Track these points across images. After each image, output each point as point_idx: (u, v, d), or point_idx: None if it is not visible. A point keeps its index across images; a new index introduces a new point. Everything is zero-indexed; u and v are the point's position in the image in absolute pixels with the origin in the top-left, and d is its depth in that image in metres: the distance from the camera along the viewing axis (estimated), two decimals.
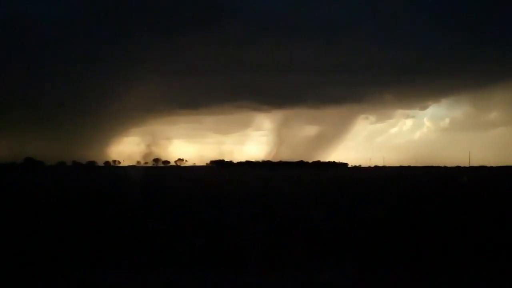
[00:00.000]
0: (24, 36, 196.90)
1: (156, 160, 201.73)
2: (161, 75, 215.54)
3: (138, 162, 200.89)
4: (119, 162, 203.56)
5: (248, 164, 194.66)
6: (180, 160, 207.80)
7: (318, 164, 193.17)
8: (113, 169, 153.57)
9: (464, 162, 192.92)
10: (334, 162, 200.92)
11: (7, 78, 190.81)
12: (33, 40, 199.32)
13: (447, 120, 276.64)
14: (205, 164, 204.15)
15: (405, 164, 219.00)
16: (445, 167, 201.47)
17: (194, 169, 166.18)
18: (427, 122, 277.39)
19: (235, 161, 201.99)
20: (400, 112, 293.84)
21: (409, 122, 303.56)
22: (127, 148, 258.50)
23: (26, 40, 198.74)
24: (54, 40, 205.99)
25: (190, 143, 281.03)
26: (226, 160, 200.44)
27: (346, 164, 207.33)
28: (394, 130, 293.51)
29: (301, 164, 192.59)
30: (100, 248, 11.90)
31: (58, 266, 10.16)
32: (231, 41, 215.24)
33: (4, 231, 14.51)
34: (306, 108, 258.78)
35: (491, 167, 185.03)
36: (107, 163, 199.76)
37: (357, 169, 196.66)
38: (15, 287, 8.91)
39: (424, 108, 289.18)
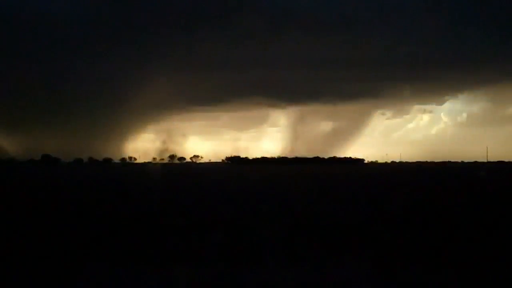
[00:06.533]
0: (42, 33, 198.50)
1: (172, 156, 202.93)
2: (177, 71, 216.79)
3: (154, 158, 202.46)
4: (135, 159, 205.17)
5: (263, 161, 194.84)
6: (196, 156, 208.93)
7: (334, 160, 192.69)
8: (129, 166, 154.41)
9: (481, 157, 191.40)
10: (350, 158, 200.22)
11: (24, 75, 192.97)
12: (51, 38, 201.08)
13: (464, 115, 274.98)
14: (220, 161, 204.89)
15: (422, 159, 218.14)
16: (462, 162, 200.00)
17: (209, 165, 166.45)
18: (444, 117, 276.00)
19: (250, 157, 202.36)
20: (417, 107, 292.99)
21: (426, 117, 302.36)
22: (143, 145, 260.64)
23: (44, 38, 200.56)
24: (72, 37, 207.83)
25: (206, 139, 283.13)
26: (241, 156, 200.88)
27: (362, 160, 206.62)
28: (411, 125, 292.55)
29: (317, 160, 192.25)
30: (117, 244, 11.77)
31: (76, 262, 10.05)
32: (248, 37, 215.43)
33: (22, 229, 14.43)
34: (322, 104, 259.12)
35: (509, 162, 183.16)
36: (123, 159, 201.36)
37: (374, 164, 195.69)
38: (36, 283, 8.74)
39: (441, 103, 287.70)
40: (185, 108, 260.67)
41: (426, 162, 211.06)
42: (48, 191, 31.11)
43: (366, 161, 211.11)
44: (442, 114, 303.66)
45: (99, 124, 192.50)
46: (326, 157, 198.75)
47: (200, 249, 11.19)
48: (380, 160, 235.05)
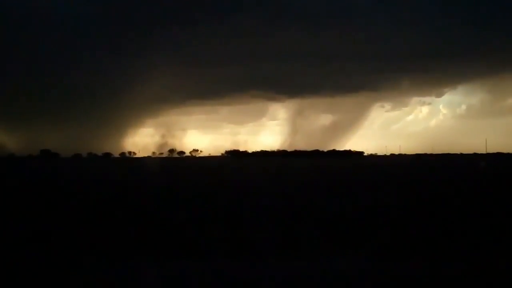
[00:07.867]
0: (41, 29, 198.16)
1: (171, 150, 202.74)
2: (176, 65, 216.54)
3: (153, 153, 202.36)
4: (135, 153, 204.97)
5: (263, 154, 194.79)
6: (195, 150, 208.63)
7: (334, 153, 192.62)
8: (128, 160, 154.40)
9: (481, 149, 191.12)
10: (350, 151, 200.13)
11: (23, 70, 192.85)
12: (50, 32, 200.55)
13: (463, 107, 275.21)
14: (220, 154, 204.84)
15: (422, 151, 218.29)
16: (461, 154, 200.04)
17: (209, 159, 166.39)
18: (443, 109, 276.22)
19: (250, 151, 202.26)
20: (415, 99, 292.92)
21: (425, 109, 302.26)
22: (143, 139, 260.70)
23: (44, 32, 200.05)
24: (70, 32, 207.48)
25: (205, 133, 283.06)
26: (241, 150, 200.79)
27: (362, 153, 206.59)
28: (410, 117, 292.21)
29: (316, 153, 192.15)
30: (118, 239, 11.74)
31: (77, 257, 10.03)
32: (246, 31, 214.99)
33: (22, 224, 14.39)
34: (321, 97, 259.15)
35: (508, 154, 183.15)
36: (122, 154, 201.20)
37: (373, 157, 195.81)
38: (37, 277, 8.71)
39: (440, 95, 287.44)
40: (184, 102, 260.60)
41: (425, 154, 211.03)
42: (47, 186, 31.05)
43: (365, 154, 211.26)
44: (441, 106, 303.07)
45: (98, 119, 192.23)
46: (325, 150, 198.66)
47: (200, 243, 11.17)
48: (380, 152, 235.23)
